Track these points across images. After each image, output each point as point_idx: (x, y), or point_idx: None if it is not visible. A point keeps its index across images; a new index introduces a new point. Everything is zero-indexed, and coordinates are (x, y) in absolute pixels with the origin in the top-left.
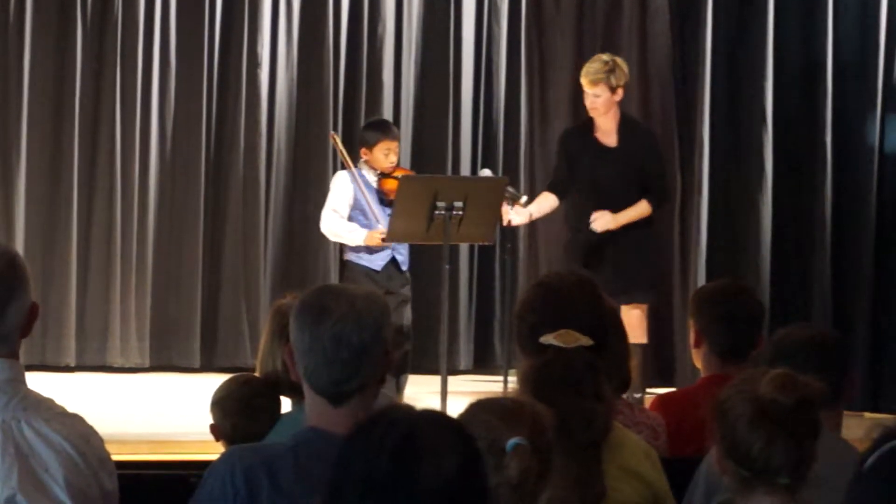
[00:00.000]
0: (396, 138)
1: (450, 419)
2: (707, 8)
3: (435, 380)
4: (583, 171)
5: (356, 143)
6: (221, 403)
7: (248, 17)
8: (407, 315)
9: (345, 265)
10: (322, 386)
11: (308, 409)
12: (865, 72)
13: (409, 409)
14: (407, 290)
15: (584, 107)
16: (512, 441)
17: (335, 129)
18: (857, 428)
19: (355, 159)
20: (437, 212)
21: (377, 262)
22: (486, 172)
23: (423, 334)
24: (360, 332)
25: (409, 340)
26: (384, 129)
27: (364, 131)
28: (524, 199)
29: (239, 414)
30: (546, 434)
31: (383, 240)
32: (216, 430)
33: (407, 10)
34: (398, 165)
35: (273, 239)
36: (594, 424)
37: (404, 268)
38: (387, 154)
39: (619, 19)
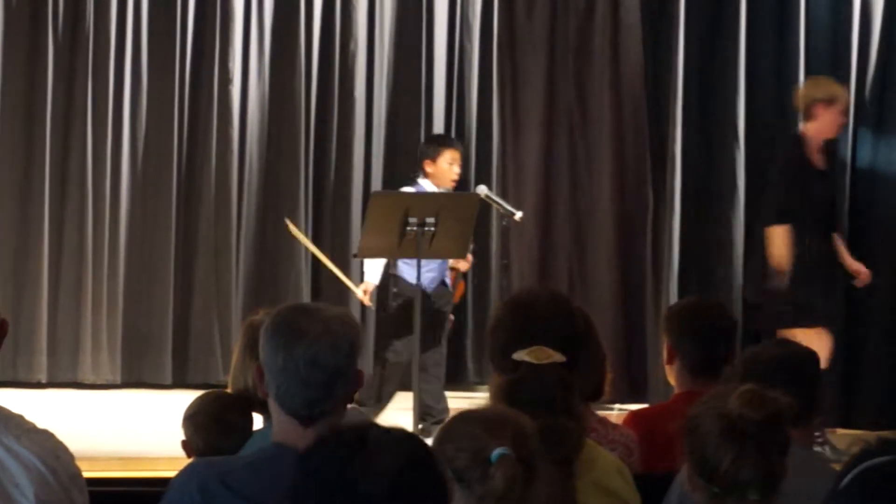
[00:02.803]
0: (460, 149)
1: (400, 428)
2: (679, 24)
3: (408, 396)
4: (807, 195)
5: (330, 164)
6: (193, 419)
7: (219, 32)
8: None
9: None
10: (294, 407)
11: (275, 426)
12: None
13: (362, 423)
14: (449, 307)
15: (558, 121)
16: (497, 451)
17: (307, 145)
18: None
19: (415, 175)
20: (408, 227)
21: (427, 283)
22: (483, 189)
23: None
24: (334, 354)
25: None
26: (447, 140)
27: (425, 144)
28: (519, 214)
29: (210, 429)
30: (530, 443)
31: (355, 255)
32: (188, 447)
33: (379, 26)
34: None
35: (245, 255)
36: (566, 441)
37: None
38: (451, 164)
39: (592, 35)
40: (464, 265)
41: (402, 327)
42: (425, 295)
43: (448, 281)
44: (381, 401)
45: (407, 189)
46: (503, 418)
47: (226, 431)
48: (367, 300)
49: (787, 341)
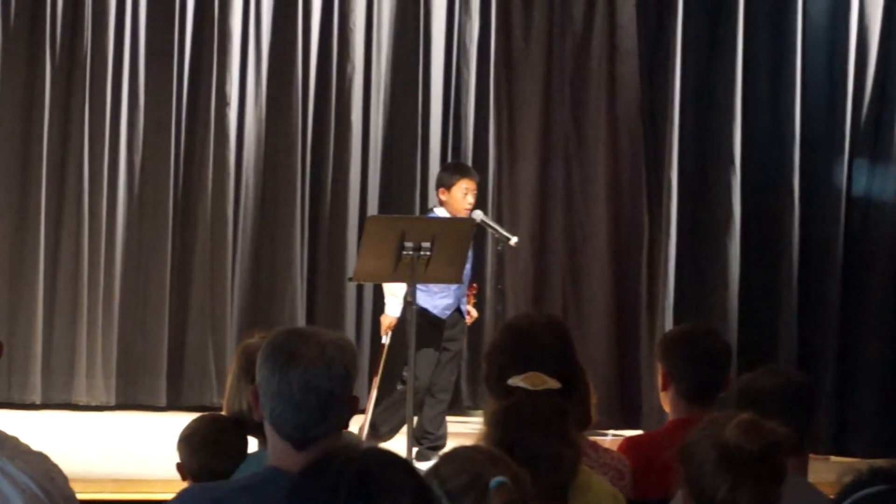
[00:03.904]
0: (475, 179)
1: (398, 456)
2: (676, 51)
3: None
4: None
5: (328, 186)
6: (188, 441)
7: (216, 55)
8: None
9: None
10: (288, 431)
11: (270, 449)
12: (833, 116)
13: (359, 448)
14: (463, 335)
15: (554, 147)
16: (496, 479)
17: (303, 169)
18: (824, 472)
19: (428, 201)
20: (404, 252)
21: (442, 310)
22: (478, 214)
23: (389, 375)
24: (329, 379)
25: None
26: (462, 169)
27: (442, 172)
28: (514, 239)
29: (205, 451)
30: (525, 488)
31: (350, 279)
32: (182, 469)
33: (376, 51)
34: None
35: (240, 278)
36: (561, 467)
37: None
38: (465, 193)
39: (588, 62)
40: (469, 319)
41: (416, 352)
42: (439, 321)
43: (464, 309)
44: (396, 425)
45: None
46: (502, 455)
47: (221, 454)
48: (386, 333)
49: (783, 369)
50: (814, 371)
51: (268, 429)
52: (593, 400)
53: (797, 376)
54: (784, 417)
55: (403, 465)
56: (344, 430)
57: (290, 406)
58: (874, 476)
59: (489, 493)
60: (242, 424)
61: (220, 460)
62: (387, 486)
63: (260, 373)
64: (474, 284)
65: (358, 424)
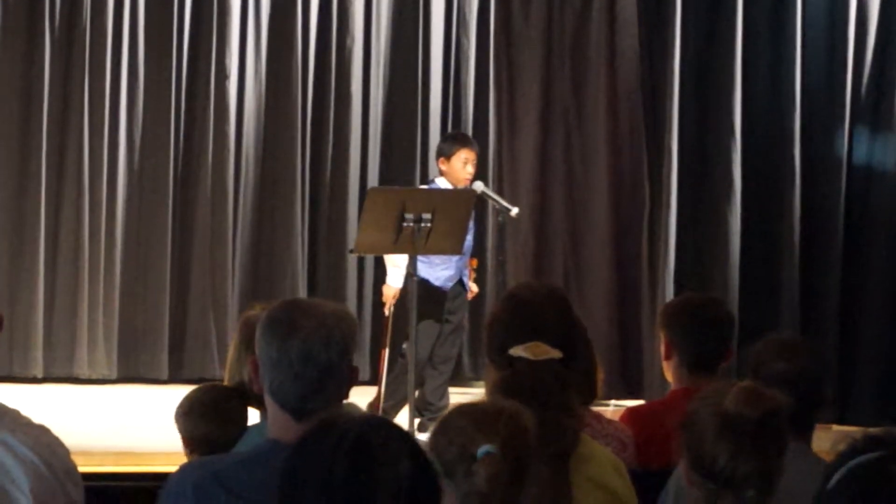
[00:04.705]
0: (475, 149)
1: (397, 426)
2: (675, 21)
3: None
4: None
5: (323, 161)
6: (189, 408)
7: (216, 28)
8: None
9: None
10: (287, 401)
11: (270, 421)
12: (833, 85)
13: (356, 417)
14: (465, 310)
15: (554, 118)
16: (482, 449)
17: (303, 141)
18: (826, 440)
19: (428, 173)
20: (405, 223)
21: (444, 281)
22: (479, 185)
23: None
24: (328, 350)
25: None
26: (462, 139)
27: (442, 142)
28: (515, 210)
29: (206, 418)
30: (522, 441)
31: (351, 251)
32: (185, 442)
33: (375, 22)
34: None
35: (241, 250)
36: (562, 437)
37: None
38: (465, 163)
39: (588, 32)
40: (470, 295)
41: (418, 324)
42: (441, 293)
43: (466, 281)
44: (401, 399)
45: (423, 187)
46: (497, 414)
47: (222, 421)
48: (389, 305)
49: (793, 345)
50: (816, 339)
51: (268, 400)
52: (601, 375)
53: (811, 358)
54: (794, 397)
55: (402, 434)
56: (344, 401)
57: (289, 377)
58: (869, 443)
59: (475, 465)
60: (242, 394)
61: (221, 429)
62: (385, 455)
63: (259, 344)
64: (474, 259)
65: (366, 399)
